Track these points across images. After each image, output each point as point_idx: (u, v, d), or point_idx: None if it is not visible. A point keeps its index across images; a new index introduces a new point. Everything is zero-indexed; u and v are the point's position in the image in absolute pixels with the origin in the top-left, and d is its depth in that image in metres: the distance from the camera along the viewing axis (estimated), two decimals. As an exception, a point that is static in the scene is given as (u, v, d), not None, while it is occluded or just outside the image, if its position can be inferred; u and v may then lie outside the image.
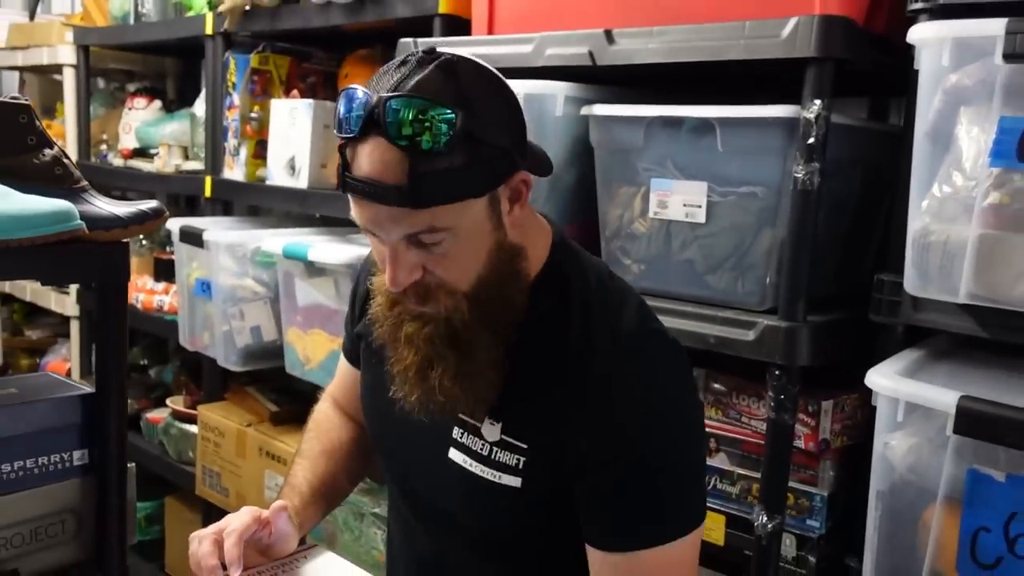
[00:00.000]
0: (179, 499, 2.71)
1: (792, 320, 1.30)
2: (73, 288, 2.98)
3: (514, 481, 0.98)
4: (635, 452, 0.95)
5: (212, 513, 2.41)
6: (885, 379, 1.17)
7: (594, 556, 0.98)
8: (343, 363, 1.29)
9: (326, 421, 1.28)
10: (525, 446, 0.97)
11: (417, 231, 0.89)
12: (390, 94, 0.86)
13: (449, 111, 0.85)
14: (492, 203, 0.93)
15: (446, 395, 0.95)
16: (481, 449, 0.99)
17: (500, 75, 0.94)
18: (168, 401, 2.67)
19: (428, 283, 0.93)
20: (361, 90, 0.88)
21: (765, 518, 1.33)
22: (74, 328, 3.04)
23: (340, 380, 1.30)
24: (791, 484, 1.39)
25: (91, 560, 1.17)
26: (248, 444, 2.19)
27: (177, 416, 2.58)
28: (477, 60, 0.93)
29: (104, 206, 1.10)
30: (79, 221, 1.06)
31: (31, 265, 1.06)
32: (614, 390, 0.95)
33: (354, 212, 0.93)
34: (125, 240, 1.13)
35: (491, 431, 0.99)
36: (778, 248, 1.34)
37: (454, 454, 1.02)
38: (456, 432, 1.02)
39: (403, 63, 0.90)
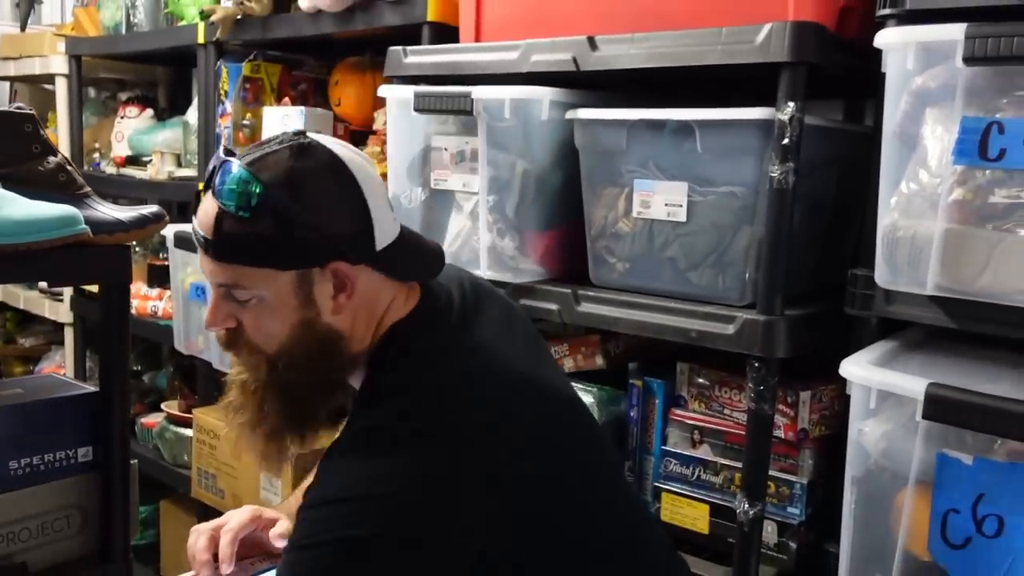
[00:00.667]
0: (174, 503, 2.74)
1: (770, 314, 1.35)
2: (67, 295, 3.01)
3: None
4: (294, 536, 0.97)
5: (208, 515, 2.44)
6: (858, 368, 1.22)
7: None
8: None
9: None
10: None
11: (224, 283, 0.99)
12: (228, 159, 0.97)
13: (260, 187, 0.94)
14: (302, 281, 0.99)
15: (241, 439, 1.04)
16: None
17: (362, 171, 1.00)
18: (163, 405, 2.70)
19: (238, 335, 1.02)
20: (223, 153, 0.99)
21: (747, 506, 1.38)
22: (68, 335, 3.07)
23: None
24: (772, 473, 1.44)
25: (96, 554, 1.21)
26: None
27: (172, 420, 2.61)
28: (341, 154, 1.00)
29: (107, 211, 1.15)
30: (84, 225, 1.11)
31: (38, 268, 1.11)
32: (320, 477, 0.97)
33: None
34: (127, 243, 1.17)
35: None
36: (756, 245, 1.39)
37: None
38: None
39: (280, 140, 1.00)
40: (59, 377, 1.31)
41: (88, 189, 1.16)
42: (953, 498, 1.16)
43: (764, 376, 1.35)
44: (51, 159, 1.13)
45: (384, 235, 1.01)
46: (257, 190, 0.93)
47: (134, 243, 2.84)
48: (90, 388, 1.23)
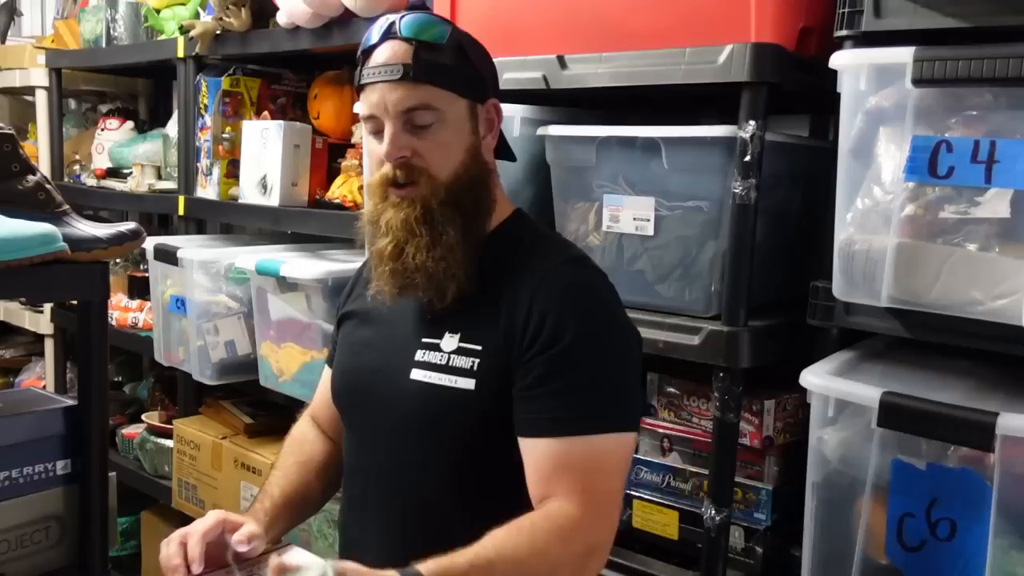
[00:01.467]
0: (155, 513, 2.75)
1: (734, 325, 1.39)
2: (47, 306, 3.01)
3: (468, 384, 1.09)
4: (576, 343, 1.07)
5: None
6: (817, 378, 1.26)
7: (530, 448, 1.07)
8: (324, 373, 1.36)
9: (300, 436, 1.35)
10: (479, 347, 1.10)
11: (413, 104, 1.10)
12: (405, 12, 1.13)
13: (447, 24, 1.14)
14: (471, 112, 1.15)
15: (416, 269, 1.10)
16: (440, 360, 1.12)
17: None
18: (143, 416, 2.71)
19: (414, 164, 1.12)
20: (387, 16, 1.15)
21: (713, 511, 1.42)
22: (48, 346, 3.08)
23: (321, 395, 1.36)
24: (739, 479, 1.48)
25: (74, 565, 1.23)
26: (224, 456, 2.25)
27: (153, 431, 2.62)
28: None
29: (85, 228, 1.17)
30: (62, 243, 1.13)
31: (17, 285, 1.13)
32: (558, 291, 1.10)
33: (362, 106, 1.14)
34: (105, 260, 1.20)
35: (450, 342, 1.12)
36: (721, 258, 1.43)
37: (416, 373, 1.13)
38: (419, 354, 1.13)
39: None
40: (37, 391, 1.33)
41: (67, 207, 1.19)
42: (908, 503, 1.20)
43: (729, 385, 1.39)
44: (30, 178, 1.15)
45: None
46: (447, 26, 1.13)
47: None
48: (68, 401, 1.26)
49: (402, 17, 1.12)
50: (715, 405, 1.41)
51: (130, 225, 1.21)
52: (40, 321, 3.07)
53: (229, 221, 2.61)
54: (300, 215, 2.15)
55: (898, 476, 1.20)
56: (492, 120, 1.18)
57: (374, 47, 1.12)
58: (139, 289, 2.72)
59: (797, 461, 1.49)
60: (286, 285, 1.99)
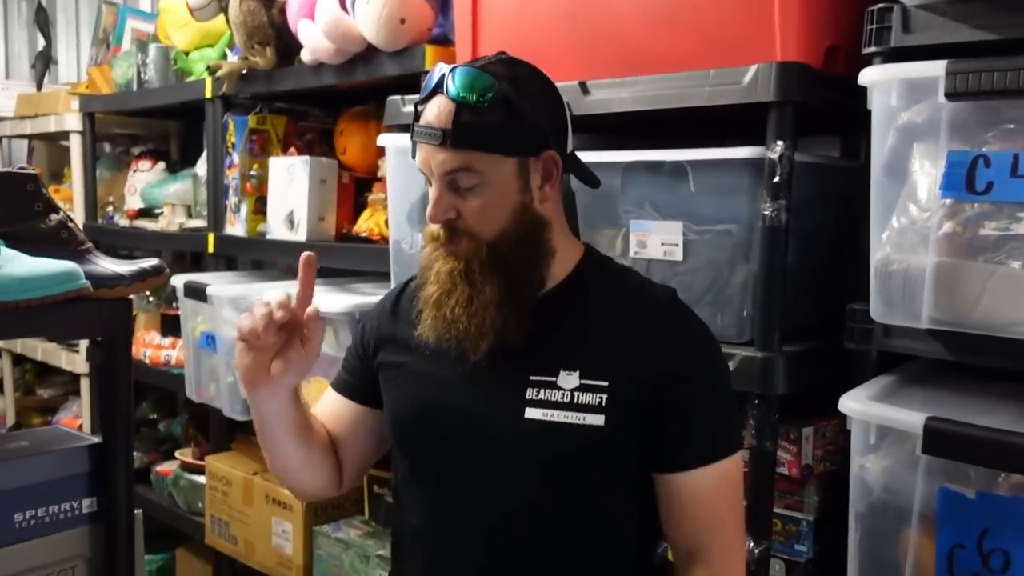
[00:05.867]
0: (189, 550, 2.75)
1: (768, 351, 1.35)
2: (83, 346, 3.05)
3: (598, 420, 1.08)
4: (699, 375, 1.13)
5: (222, 563, 2.45)
6: (857, 403, 1.22)
7: (672, 483, 1.11)
8: (329, 398, 1.31)
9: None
10: (606, 383, 1.09)
11: (455, 168, 1.09)
12: (456, 65, 1.11)
13: (493, 80, 1.08)
14: (521, 169, 1.12)
15: (454, 321, 1.10)
16: (562, 398, 1.09)
17: (553, 84, 1.17)
18: (177, 453, 2.72)
19: (458, 226, 1.12)
20: (441, 66, 1.12)
21: (752, 544, 1.37)
22: (84, 385, 3.11)
23: (321, 411, 1.30)
24: (778, 511, 1.43)
25: (101, 605, 1.22)
26: (255, 492, 2.24)
27: (186, 467, 2.63)
28: (538, 69, 1.16)
29: (108, 265, 1.17)
30: (84, 280, 1.13)
31: (41, 323, 1.13)
32: (674, 328, 1.14)
33: (417, 157, 1.15)
34: (128, 296, 1.20)
35: (569, 380, 1.10)
36: (752, 282, 1.40)
37: (532, 412, 1.10)
38: (530, 393, 1.11)
39: (489, 57, 1.15)
40: (65, 429, 1.32)
41: (89, 244, 1.19)
42: (958, 533, 1.15)
43: (764, 413, 1.35)
44: (53, 216, 1.15)
45: (570, 141, 1.18)
46: (491, 84, 1.08)
47: (147, 293, 2.89)
48: (94, 440, 1.25)
49: (452, 71, 1.10)
50: (750, 434, 1.36)
51: (152, 261, 1.21)
52: (76, 360, 3.10)
53: (257, 257, 2.63)
54: (327, 249, 2.15)
55: (946, 505, 1.15)
56: (550, 171, 1.15)
57: (426, 100, 1.12)
58: (171, 327, 2.74)
59: (838, 491, 1.44)
60: (314, 319, 1.98)
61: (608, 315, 1.14)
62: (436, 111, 1.09)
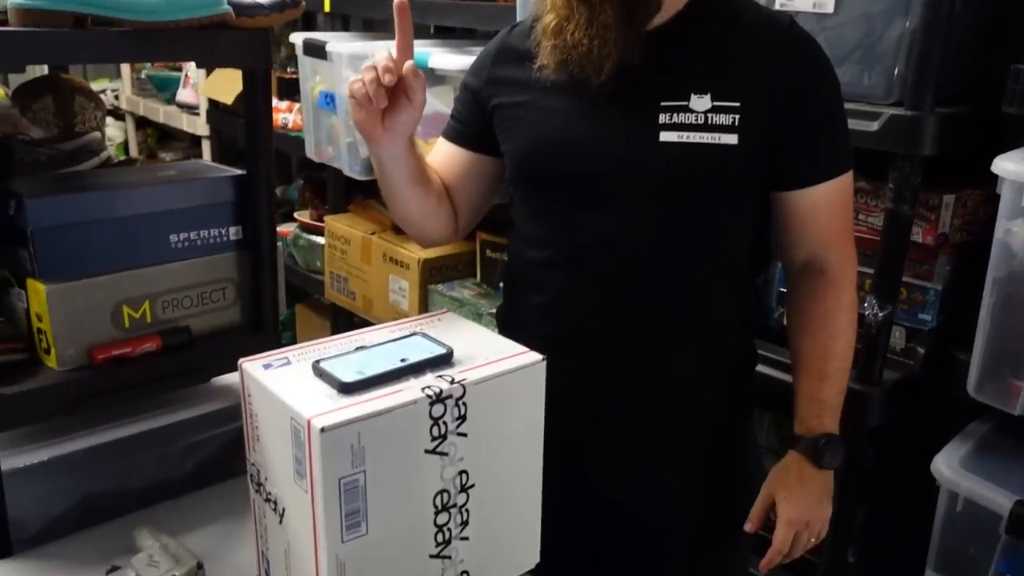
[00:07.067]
0: (308, 306, 2.92)
1: (918, 110, 1.28)
2: (203, 109, 3.12)
3: (731, 139, 1.09)
4: (824, 93, 1.13)
5: (340, 316, 2.59)
6: (1012, 164, 1.16)
7: (795, 199, 1.15)
8: (441, 148, 1.31)
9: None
10: (737, 103, 1.09)
11: None
12: None
13: None
14: None
15: (573, 46, 1.10)
16: (695, 120, 1.10)
17: None
18: (295, 214, 2.82)
19: None
20: None
21: (877, 308, 1.36)
22: (205, 148, 3.21)
23: (434, 161, 1.31)
24: (905, 279, 1.41)
25: (248, 325, 1.31)
26: (373, 250, 2.33)
27: (304, 228, 2.73)
28: None
29: (247, -6, 1.16)
30: (227, 6, 1.13)
31: (186, 47, 1.14)
32: (799, 47, 1.13)
33: None
34: (267, 27, 1.20)
35: (701, 102, 1.10)
36: (909, 37, 1.30)
37: (666, 135, 1.10)
38: (663, 118, 1.11)
39: None
40: (207, 162, 1.38)
41: (230, -28, 1.18)
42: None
43: (907, 175, 1.30)
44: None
45: None
46: None
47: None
48: (238, 171, 1.29)
49: None
50: (888, 196, 1.32)
51: (290, -8, 1.19)
52: (197, 123, 3.19)
53: (372, 16, 2.58)
54: (445, 7, 2.09)
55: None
56: None
57: None
58: (288, 90, 2.76)
59: (971, 262, 1.40)
60: (433, 78, 1.96)
61: (732, 38, 1.12)
62: None
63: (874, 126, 1.31)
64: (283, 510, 0.93)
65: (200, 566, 1.04)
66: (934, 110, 1.29)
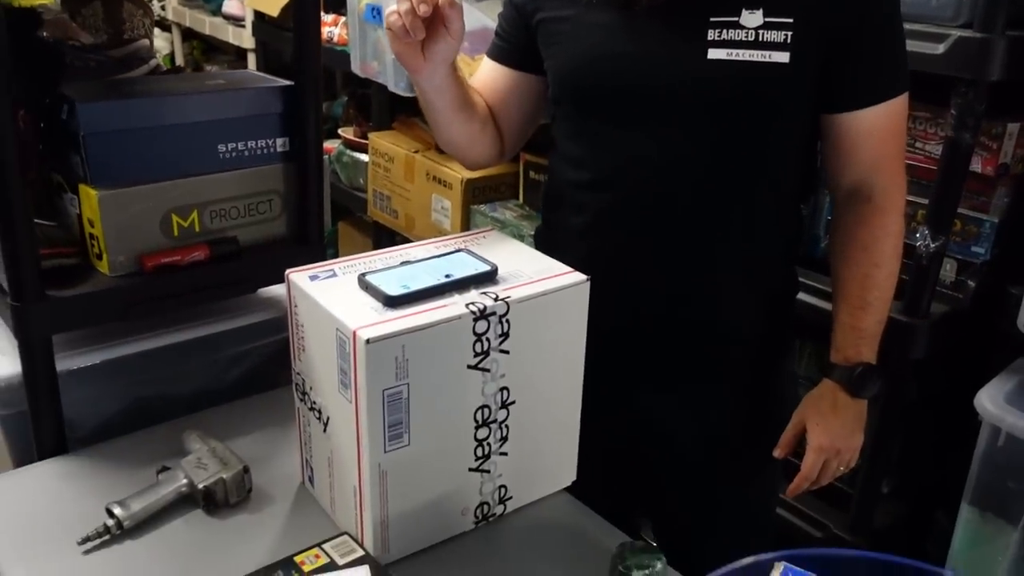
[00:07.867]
0: (351, 223, 2.93)
1: (989, 31, 1.23)
2: (248, 21, 3.09)
3: (783, 57, 1.05)
4: (880, 11, 1.07)
5: (382, 234, 2.61)
6: (1085, 92, 1.11)
7: (846, 121, 1.10)
8: (486, 67, 1.29)
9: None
10: (790, 20, 1.05)
11: None
12: None
13: None
14: None
15: None
16: (745, 36, 1.06)
17: None
18: (339, 131, 2.82)
19: None
20: None
21: (930, 239, 1.33)
22: (251, 60, 3.20)
23: (478, 82, 1.29)
24: (960, 210, 1.38)
25: (295, 236, 1.32)
26: (416, 169, 2.32)
27: (348, 145, 2.73)
28: None
29: None
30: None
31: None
32: None
33: None
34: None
35: (752, 18, 1.06)
36: (983, -46, 1.24)
37: (715, 52, 1.07)
38: (711, 34, 1.07)
39: None
40: (255, 72, 1.37)
41: None
42: None
43: (971, 101, 1.25)
44: None
45: None
46: None
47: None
48: (285, 82, 1.29)
49: None
50: (950, 123, 1.28)
51: None
52: (243, 35, 3.17)
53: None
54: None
55: None
56: None
57: None
58: (335, 3, 2.73)
59: (1032, 195, 1.37)
60: (482, -8, 1.92)
61: None
62: None
63: (940, 48, 1.26)
64: (327, 419, 0.95)
65: (247, 470, 1.07)
66: (1005, 32, 1.23)
